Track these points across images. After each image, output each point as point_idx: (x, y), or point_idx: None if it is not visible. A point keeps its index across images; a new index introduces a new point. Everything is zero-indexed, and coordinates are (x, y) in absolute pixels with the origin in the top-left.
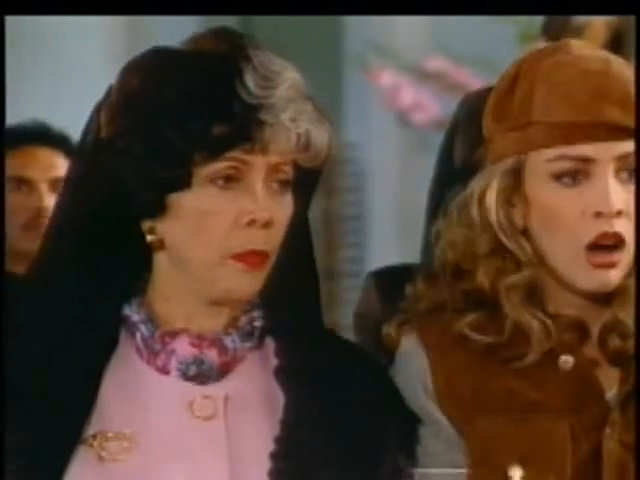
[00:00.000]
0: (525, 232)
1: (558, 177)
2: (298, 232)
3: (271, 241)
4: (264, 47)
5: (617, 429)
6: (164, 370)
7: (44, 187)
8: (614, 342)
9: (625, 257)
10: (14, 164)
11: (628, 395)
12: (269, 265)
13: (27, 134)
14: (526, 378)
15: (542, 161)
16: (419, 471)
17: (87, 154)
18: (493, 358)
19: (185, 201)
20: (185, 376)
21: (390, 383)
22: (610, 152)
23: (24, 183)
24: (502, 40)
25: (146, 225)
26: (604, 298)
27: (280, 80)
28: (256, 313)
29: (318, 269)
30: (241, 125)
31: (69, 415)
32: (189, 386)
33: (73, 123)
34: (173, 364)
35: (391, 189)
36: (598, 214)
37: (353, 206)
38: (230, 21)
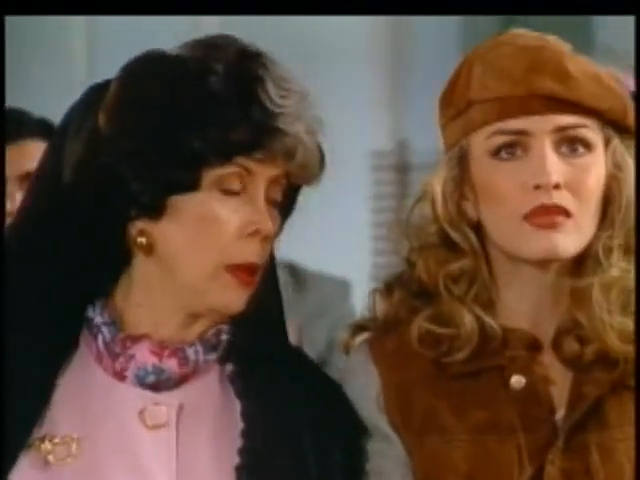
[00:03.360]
0: (478, 225)
1: (496, 153)
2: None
3: (263, 256)
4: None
5: (559, 455)
6: (121, 375)
7: None
8: (571, 346)
9: (573, 226)
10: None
11: (577, 422)
12: (257, 280)
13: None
14: (475, 396)
15: (481, 140)
16: None
17: (75, 150)
18: (443, 375)
19: (187, 205)
20: (141, 383)
21: (344, 400)
22: (546, 124)
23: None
24: None
25: (136, 227)
26: (558, 299)
27: (294, 90)
28: (224, 326)
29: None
30: (259, 131)
31: (20, 416)
32: (142, 393)
33: None
34: (131, 370)
35: None
36: (536, 186)
37: None
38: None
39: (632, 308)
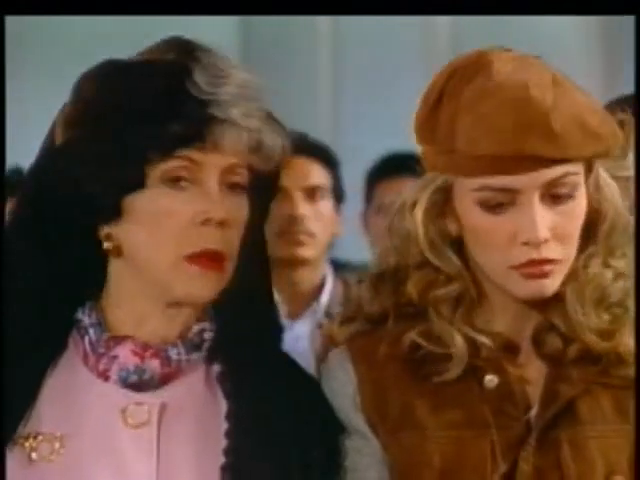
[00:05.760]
0: (459, 240)
1: (483, 205)
2: (254, 241)
3: (227, 242)
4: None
5: (532, 452)
6: (105, 375)
7: (299, 195)
8: (553, 342)
9: (559, 270)
10: None
11: (549, 421)
12: (228, 267)
13: None
14: (451, 395)
15: (468, 189)
16: None
17: (43, 163)
18: (419, 373)
19: (140, 203)
20: (124, 383)
21: (324, 398)
22: (534, 181)
23: (280, 192)
24: None
25: (103, 232)
26: (535, 304)
27: (230, 78)
28: (207, 325)
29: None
30: (193, 122)
31: (6, 414)
32: (125, 393)
33: None
34: (114, 370)
35: None
36: (525, 243)
37: None
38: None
39: (608, 301)
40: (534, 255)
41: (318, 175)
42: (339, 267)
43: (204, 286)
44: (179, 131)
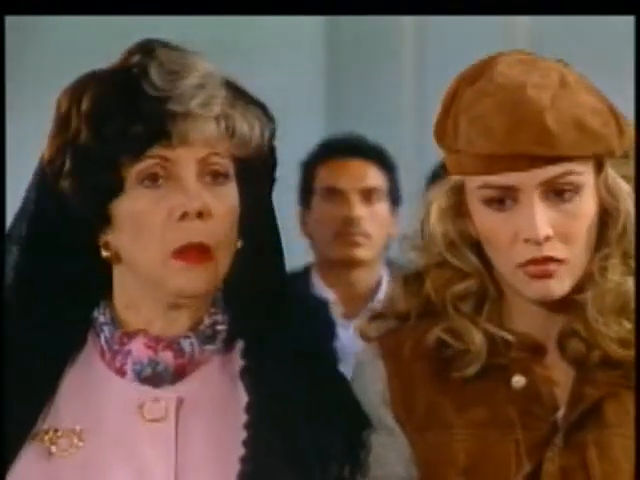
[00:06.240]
0: (479, 243)
1: (487, 203)
2: (258, 228)
3: (210, 233)
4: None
5: (558, 453)
6: (121, 371)
7: (355, 197)
8: (577, 347)
9: (566, 271)
10: (326, 175)
11: (575, 421)
12: (218, 257)
13: (342, 146)
14: (477, 394)
15: (473, 187)
16: None
17: (35, 181)
18: (445, 372)
19: (122, 207)
20: (140, 378)
21: (348, 391)
22: (532, 179)
23: (336, 193)
24: None
25: (102, 241)
26: (560, 308)
27: (189, 71)
28: (220, 317)
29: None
30: (154, 120)
31: (25, 408)
32: (142, 388)
33: None
34: (129, 365)
35: None
36: (527, 240)
37: None
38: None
39: (630, 308)
40: (536, 253)
41: (374, 177)
42: (395, 268)
43: (195, 279)
44: (142, 131)
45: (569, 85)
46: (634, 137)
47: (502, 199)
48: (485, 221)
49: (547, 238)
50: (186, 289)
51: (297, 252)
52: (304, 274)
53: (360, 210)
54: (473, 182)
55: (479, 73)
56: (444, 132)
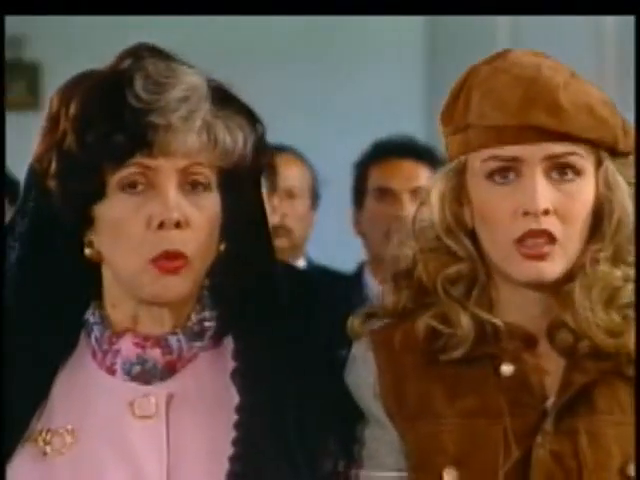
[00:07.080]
0: (473, 232)
1: (490, 176)
2: (243, 232)
3: (188, 242)
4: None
5: (548, 438)
6: (111, 370)
7: (406, 197)
8: (565, 338)
9: (559, 253)
10: (379, 175)
11: (564, 405)
12: (193, 266)
13: (394, 147)
14: (467, 383)
15: (478, 162)
16: (362, 473)
17: (26, 185)
18: (437, 360)
19: (103, 211)
20: (129, 376)
21: (341, 386)
22: (538, 153)
23: (387, 193)
24: None
25: (87, 239)
26: (548, 298)
27: (173, 84)
28: (207, 314)
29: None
30: (136, 131)
31: (19, 410)
32: (132, 386)
33: None
34: (118, 364)
35: None
36: (526, 212)
37: None
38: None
39: (619, 302)
40: (533, 225)
41: (425, 177)
42: None
43: (170, 287)
44: (124, 140)
45: (579, 77)
46: (634, 137)
47: (506, 170)
48: (487, 197)
49: (546, 211)
50: (162, 295)
51: (352, 250)
52: (358, 271)
53: (411, 209)
54: (477, 158)
55: (493, 57)
56: (452, 113)
